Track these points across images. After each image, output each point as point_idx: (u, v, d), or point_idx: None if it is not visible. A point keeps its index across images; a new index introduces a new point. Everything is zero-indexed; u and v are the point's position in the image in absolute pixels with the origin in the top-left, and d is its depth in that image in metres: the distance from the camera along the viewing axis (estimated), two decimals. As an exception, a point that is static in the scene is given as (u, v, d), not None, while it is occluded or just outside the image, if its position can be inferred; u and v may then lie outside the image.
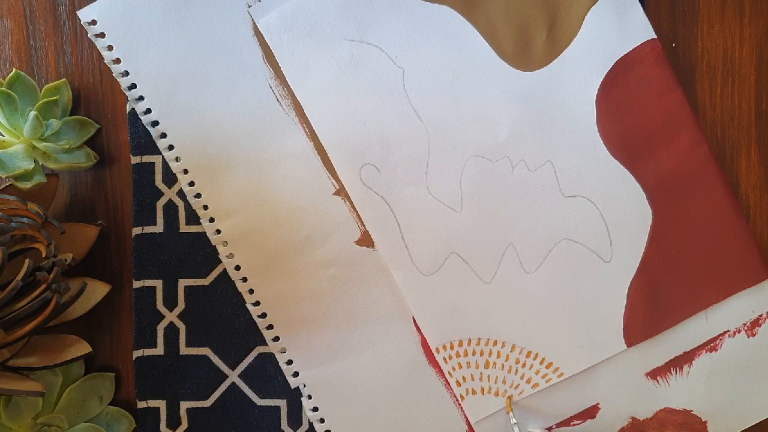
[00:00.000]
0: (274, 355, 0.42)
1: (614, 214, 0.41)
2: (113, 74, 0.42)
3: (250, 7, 0.41)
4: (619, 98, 0.41)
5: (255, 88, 0.41)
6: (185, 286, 0.42)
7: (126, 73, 0.41)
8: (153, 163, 0.42)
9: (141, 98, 0.42)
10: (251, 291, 0.42)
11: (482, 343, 0.42)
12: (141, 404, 0.43)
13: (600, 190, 0.41)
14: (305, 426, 0.43)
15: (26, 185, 0.38)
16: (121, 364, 0.43)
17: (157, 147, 0.42)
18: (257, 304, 0.42)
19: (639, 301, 0.42)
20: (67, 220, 0.43)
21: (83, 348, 0.40)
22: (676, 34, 0.42)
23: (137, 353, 0.43)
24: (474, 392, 0.42)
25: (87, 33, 0.42)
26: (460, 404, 0.42)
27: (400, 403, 0.42)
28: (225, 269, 0.42)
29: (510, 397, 0.42)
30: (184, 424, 0.43)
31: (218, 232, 0.42)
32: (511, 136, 0.41)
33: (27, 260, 0.36)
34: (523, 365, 0.42)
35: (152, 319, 0.43)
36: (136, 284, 0.42)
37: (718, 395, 0.42)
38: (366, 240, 0.42)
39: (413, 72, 0.41)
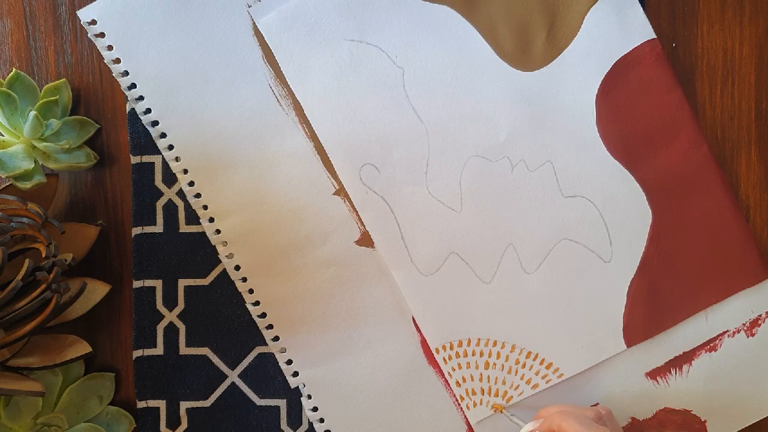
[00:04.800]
0: (274, 355, 0.42)
1: (614, 214, 0.41)
2: (113, 74, 0.42)
3: (250, 7, 0.41)
4: (619, 98, 0.41)
5: (255, 88, 0.41)
6: (185, 286, 0.43)
7: (126, 73, 0.41)
8: (153, 163, 0.42)
9: (141, 98, 0.42)
10: (251, 291, 0.42)
11: (482, 343, 0.42)
12: (141, 404, 0.43)
13: (600, 190, 0.41)
14: (305, 426, 0.43)
15: (26, 185, 0.38)
16: (121, 364, 0.43)
17: (156, 147, 0.42)
18: (257, 303, 0.42)
19: (639, 301, 0.42)
20: (67, 220, 0.43)
21: (83, 348, 0.40)
22: (676, 34, 0.42)
23: (137, 353, 0.43)
24: (474, 392, 0.42)
25: (87, 33, 0.42)
26: (459, 404, 0.42)
27: (400, 402, 0.42)
28: (225, 269, 0.42)
29: (500, 407, 0.42)
30: (184, 424, 0.43)
31: (218, 232, 0.42)
32: (510, 136, 0.41)
33: (27, 260, 0.36)
34: (523, 366, 0.42)
35: (152, 319, 0.43)
36: (136, 284, 0.42)
37: (718, 395, 0.42)
38: (366, 240, 0.42)
39: (413, 72, 0.41)
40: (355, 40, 0.41)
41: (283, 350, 0.42)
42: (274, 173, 0.42)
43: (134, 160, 0.42)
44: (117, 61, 0.41)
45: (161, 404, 0.43)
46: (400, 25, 0.41)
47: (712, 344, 0.42)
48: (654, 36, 0.41)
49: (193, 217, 0.42)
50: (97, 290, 0.41)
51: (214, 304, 0.43)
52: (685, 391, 0.42)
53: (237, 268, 0.42)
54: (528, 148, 0.41)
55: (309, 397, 0.42)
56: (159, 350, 0.43)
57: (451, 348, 0.42)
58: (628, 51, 0.41)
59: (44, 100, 0.40)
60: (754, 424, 0.42)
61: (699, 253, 0.41)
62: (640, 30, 0.41)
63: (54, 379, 0.41)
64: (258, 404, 0.43)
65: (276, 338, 0.42)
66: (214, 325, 0.43)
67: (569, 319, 0.42)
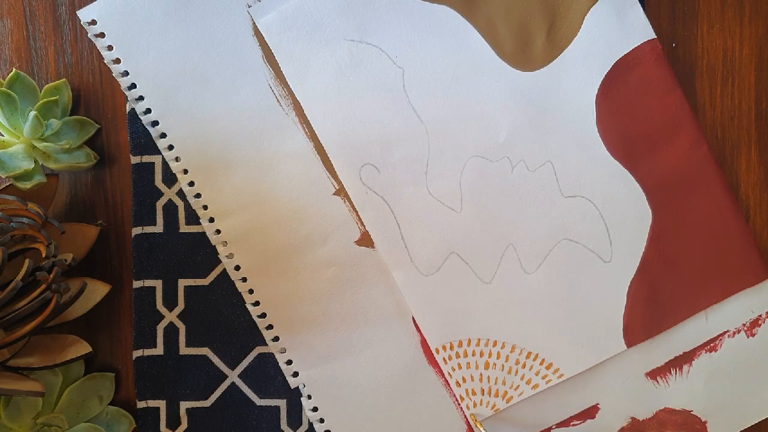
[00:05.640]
0: (274, 355, 0.42)
1: (614, 214, 0.41)
2: (113, 74, 0.42)
3: (250, 7, 0.41)
4: (619, 98, 0.41)
5: (255, 88, 0.41)
6: (185, 286, 0.43)
7: (126, 73, 0.42)
8: (153, 163, 0.42)
9: (141, 98, 0.42)
10: (251, 291, 0.42)
11: (482, 343, 0.42)
12: (141, 404, 0.43)
13: (600, 190, 0.41)
14: (305, 426, 0.43)
15: (26, 185, 0.38)
16: (121, 364, 0.43)
17: (156, 147, 0.42)
18: (257, 304, 0.42)
19: (639, 301, 0.42)
20: (67, 220, 0.43)
21: (83, 348, 0.40)
22: (676, 34, 0.42)
23: (137, 353, 0.43)
24: (474, 393, 0.42)
25: (87, 33, 0.42)
26: (459, 404, 0.42)
27: (400, 403, 0.42)
28: (225, 269, 0.42)
29: (474, 417, 0.42)
30: (184, 424, 0.43)
31: (218, 232, 0.42)
32: (510, 136, 0.41)
33: (27, 260, 0.36)
34: (523, 366, 0.42)
35: (152, 319, 0.43)
36: (136, 284, 0.42)
37: (718, 395, 0.42)
38: (366, 240, 0.42)
39: (413, 72, 0.41)
40: (355, 40, 0.41)
41: (283, 350, 0.42)
42: (274, 173, 0.42)
43: (134, 160, 0.42)
44: (117, 61, 0.41)
45: (161, 404, 0.43)
46: (400, 26, 0.41)
47: (712, 344, 0.42)
48: (654, 36, 0.41)
49: (193, 217, 0.42)
50: (97, 290, 0.41)
51: (214, 304, 0.43)
52: (685, 391, 0.42)
53: (237, 268, 0.42)
54: (528, 148, 0.41)
55: (309, 397, 0.43)
56: (159, 350, 0.43)
57: (451, 348, 0.42)
58: (628, 51, 0.41)
59: (44, 100, 0.40)
60: (755, 424, 0.42)
61: (699, 253, 0.41)
62: (640, 30, 0.41)
63: (54, 379, 0.41)
64: (258, 404, 0.43)
65: (276, 338, 0.42)
66: (214, 325, 0.43)
67: (569, 319, 0.42)
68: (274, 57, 0.41)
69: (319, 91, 0.41)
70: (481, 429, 0.41)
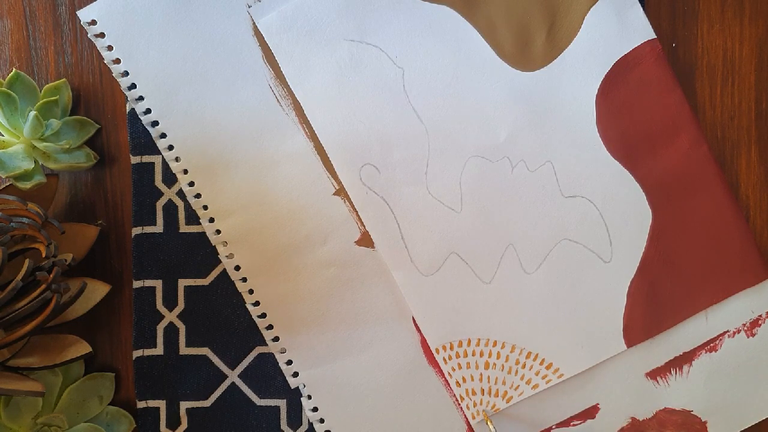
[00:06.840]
0: (274, 355, 0.42)
1: (614, 214, 0.41)
2: (113, 74, 0.42)
3: (250, 7, 0.41)
4: (619, 98, 0.41)
5: (255, 88, 0.41)
6: (185, 286, 0.43)
7: (126, 73, 0.42)
8: (153, 163, 0.42)
9: (141, 98, 0.42)
10: (251, 291, 0.42)
11: (482, 343, 0.42)
12: (141, 404, 0.43)
13: (600, 190, 0.41)
14: (305, 426, 0.43)
15: (26, 185, 0.38)
16: (121, 364, 0.43)
17: (156, 147, 0.42)
18: (257, 304, 0.42)
19: (639, 301, 0.42)
20: (67, 220, 0.43)
21: (83, 348, 0.40)
22: (676, 34, 0.42)
23: (137, 353, 0.43)
24: (474, 393, 0.42)
25: (87, 33, 0.42)
26: (459, 404, 0.42)
27: (400, 403, 0.42)
28: (225, 269, 0.42)
29: (486, 414, 0.42)
30: (184, 424, 0.43)
31: (218, 232, 0.42)
32: (510, 137, 0.41)
33: (27, 260, 0.36)
34: (523, 366, 0.42)
35: (152, 319, 0.43)
36: (136, 284, 0.42)
37: (718, 395, 0.42)
38: (366, 240, 0.42)
39: (413, 72, 0.41)
40: (355, 40, 0.41)
41: (283, 350, 0.42)
42: (275, 173, 0.42)
43: (134, 160, 0.42)
44: (117, 61, 0.41)
45: (161, 404, 0.43)
46: (400, 26, 0.41)
47: (712, 344, 0.42)
48: (654, 36, 0.41)
49: (193, 217, 0.42)
50: (97, 290, 0.41)
51: (214, 304, 0.43)
52: (685, 391, 0.42)
53: (237, 268, 0.42)
54: (528, 148, 0.41)
55: (309, 397, 0.43)
56: (159, 350, 0.43)
57: (451, 348, 0.42)
58: (628, 51, 0.41)
59: (44, 100, 0.40)
60: (755, 424, 0.42)
61: (699, 253, 0.41)
62: (640, 30, 0.41)
63: (54, 379, 0.41)
64: (258, 404, 0.43)
65: (276, 338, 0.42)
66: (214, 325, 0.43)
67: (569, 319, 0.42)
68: (274, 57, 0.41)
69: (319, 91, 0.41)
70: (491, 427, 0.41)
